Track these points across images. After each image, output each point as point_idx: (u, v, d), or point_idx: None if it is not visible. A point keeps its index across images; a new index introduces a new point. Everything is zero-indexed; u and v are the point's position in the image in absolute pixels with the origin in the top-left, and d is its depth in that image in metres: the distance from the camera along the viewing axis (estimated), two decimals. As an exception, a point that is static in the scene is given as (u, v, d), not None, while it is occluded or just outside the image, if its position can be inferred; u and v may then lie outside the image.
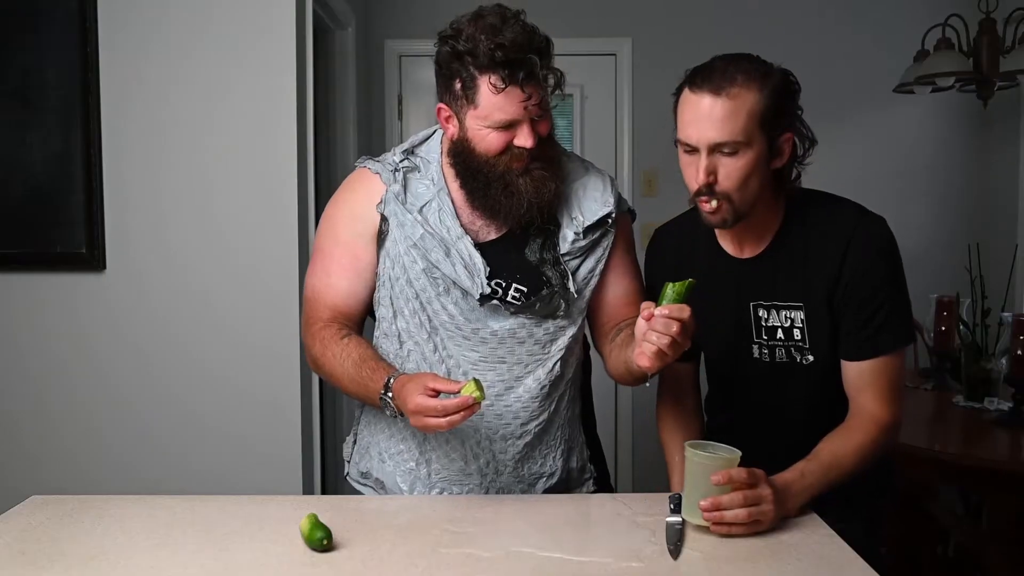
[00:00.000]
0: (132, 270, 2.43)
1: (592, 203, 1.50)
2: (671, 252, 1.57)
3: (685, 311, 1.23)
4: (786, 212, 1.44)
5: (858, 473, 1.38)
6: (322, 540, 1.18)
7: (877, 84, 3.63)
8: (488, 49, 1.33)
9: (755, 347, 1.47)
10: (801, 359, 1.44)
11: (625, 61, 3.87)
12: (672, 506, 1.31)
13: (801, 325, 1.42)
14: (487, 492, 1.49)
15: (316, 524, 1.19)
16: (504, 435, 1.47)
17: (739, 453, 1.27)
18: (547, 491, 1.52)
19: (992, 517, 2.36)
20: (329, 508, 1.35)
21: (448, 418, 1.26)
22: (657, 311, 1.23)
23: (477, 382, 1.27)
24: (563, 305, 1.46)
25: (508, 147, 1.38)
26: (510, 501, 1.43)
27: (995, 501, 2.29)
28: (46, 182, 2.39)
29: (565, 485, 1.55)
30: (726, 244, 1.49)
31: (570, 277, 1.47)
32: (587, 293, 1.51)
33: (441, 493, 1.48)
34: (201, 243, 2.42)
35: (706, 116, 1.31)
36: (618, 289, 1.55)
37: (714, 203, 1.35)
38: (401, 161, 1.50)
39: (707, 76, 1.32)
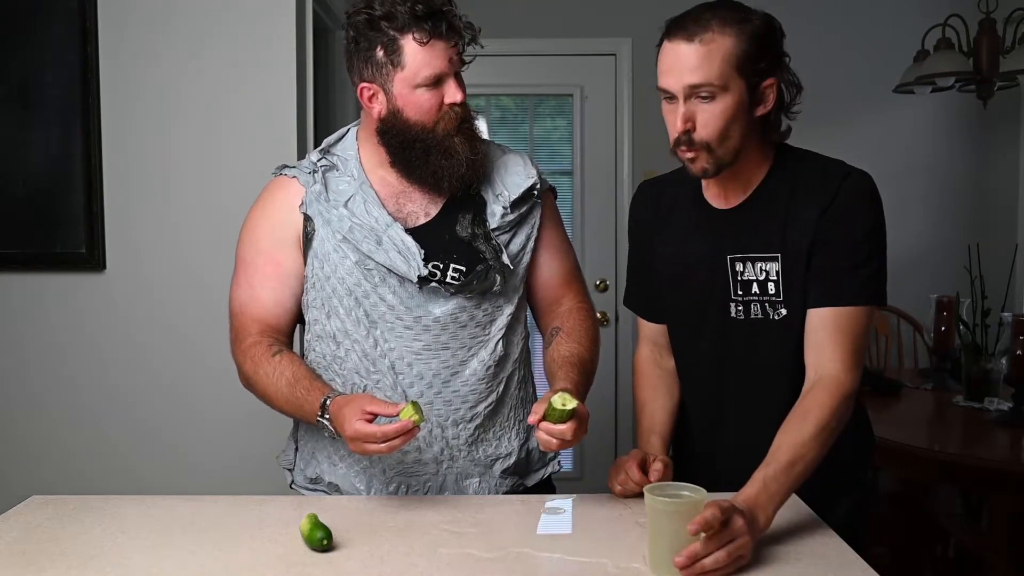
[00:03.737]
0: (132, 270, 2.44)
1: (515, 177, 1.53)
2: (652, 203, 1.58)
3: (566, 434, 1.28)
4: (773, 164, 1.43)
5: (825, 455, 1.30)
6: (322, 540, 1.18)
7: (877, 84, 3.63)
8: (408, 7, 1.36)
9: (732, 305, 1.44)
10: (774, 314, 1.41)
11: (625, 61, 3.87)
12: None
13: (776, 278, 1.40)
14: (444, 479, 1.49)
15: (316, 524, 1.19)
16: (455, 420, 1.47)
17: (704, 492, 1.14)
18: (504, 472, 1.52)
19: (992, 517, 2.36)
20: (329, 508, 1.35)
21: (388, 443, 1.26)
22: (542, 425, 1.29)
23: (415, 405, 1.27)
24: (499, 280, 1.47)
25: (439, 108, 1.41)
26: (510, 501, 1.43)
27: (995, 501, 2.28)
28: (46, 182, 2.39)
29: (525, 467, 1.56)
30: (710, 195, 1.48)
31: (503, 250, 1.49)
32: (521, 270, 1.53)
33: (399, 487, 1.48)
34: (201, 243, 2.42)
35: (681, 63, 1.30)
36: (552, 268, 1.59)
37: (693, 152, 1.35)
38: (318, 161, 1.51)
39: (682, 24, 1.32)
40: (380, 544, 1.21)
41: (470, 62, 1.45)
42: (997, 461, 2.18)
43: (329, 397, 1.36)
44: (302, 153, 2.46)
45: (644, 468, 1.41)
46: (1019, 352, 2.34)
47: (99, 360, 2.45)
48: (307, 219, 1.47)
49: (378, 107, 1.44)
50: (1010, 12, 3.09)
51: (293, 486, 1.59)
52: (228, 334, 2.39)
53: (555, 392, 1.32)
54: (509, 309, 1.52)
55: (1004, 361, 2.47)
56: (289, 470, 1.60)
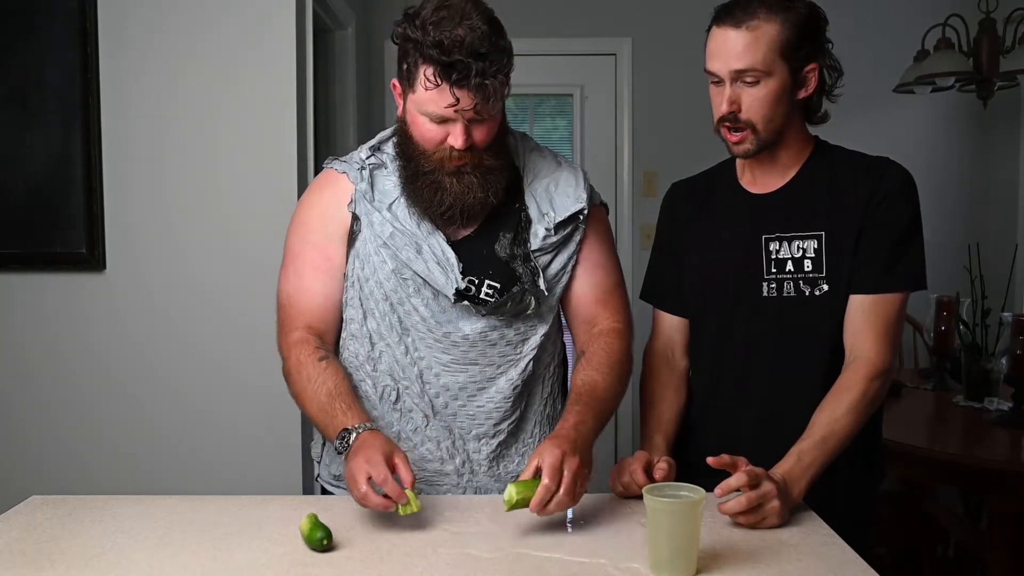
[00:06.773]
0: (132, 270, 2.44)
1: (564, 198, 1.47)
2: (687, 196, 1.61)
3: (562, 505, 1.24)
4: (813, 151, 1.50)
5: (858, 431, 1.39)
6: (322, 540, 1.18)
7: (877, 84, 3.63)
8: (430, 42, 1.29)
9: (764, 284, 1.47)
10: (812, 290, 1.44)
11: (625, 61, 3.88)
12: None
13: (814, 255, 1.44)
14: (464, 492, 1.48)
15: (316, 524, 1.19)
16: (477, 435, 1.47)
17: (703, 492, 1.13)
18: None
19: (992, 517, 2.36)
20: (329, 508, 1.35)
21: (364, 498, 1.22)
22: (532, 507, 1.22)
23: (417, 501, 1.23)
24: (533, 303, 1.44)
25: (441, 142, 1.36)
26: (510, 501, 1.43)
27: (995, 501, 2.28)
28: (46, 182, 2.39)
29: None
30: (746, 181, 1.53)
31: (540, 274, 1.45)
32: (557, 291, 1.49)
33: (418, 494, 1.47)
34: (201, 242, 2.42)
35: (728, 48, 1.38)
36: (586, 283, 1.51)
37: (737, 132, 1.41)
38: (368, 158, 1.48)
39: (730, 11, 1.39)
40: (380, 544, 1.21)
41: (495, 109, 1.34)
42: (997, 461, 2.18)
43: (358, 431, 1.30)
44: (302, 153, 2.46)
45: (648, 471, 1.41)
46: (1019, 352, 2.34)
47: (99, 360, 2.45)
48: (355, 218, 1.46)
49: (400, 106, 1.42)
50: (1010, 12, 3.10)
51: (319, 479, 1.59)
52: (228, 334, 2.42)
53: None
54: (543, 329, 1.48)
55: (1004, 361, 2.47)
56: (318, 462, 1.60)
